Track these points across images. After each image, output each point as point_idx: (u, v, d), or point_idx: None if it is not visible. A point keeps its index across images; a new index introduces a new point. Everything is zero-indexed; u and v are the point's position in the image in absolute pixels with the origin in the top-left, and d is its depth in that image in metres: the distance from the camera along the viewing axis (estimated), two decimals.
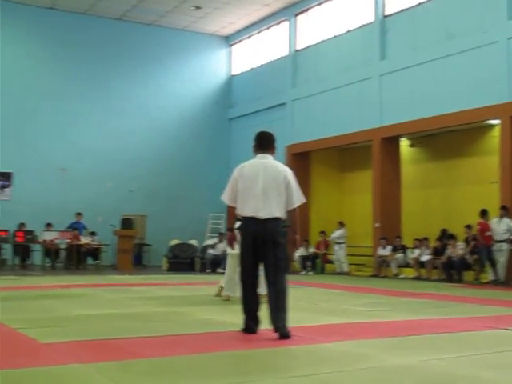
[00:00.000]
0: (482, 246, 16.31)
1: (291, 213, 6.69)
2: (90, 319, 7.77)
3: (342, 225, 20.93)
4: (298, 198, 6.71)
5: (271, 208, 6.52)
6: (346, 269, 20.50)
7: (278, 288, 6.45)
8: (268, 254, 6.50)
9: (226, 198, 6.79)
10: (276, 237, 6.52)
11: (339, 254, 20.65)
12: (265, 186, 6.54)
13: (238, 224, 6.94)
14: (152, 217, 24.30)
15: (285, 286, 6.51)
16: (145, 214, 24.18)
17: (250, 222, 6.55)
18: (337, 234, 20.78)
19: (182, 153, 26.22)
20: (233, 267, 9.93)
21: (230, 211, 6.85)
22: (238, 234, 6.91)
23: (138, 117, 25.57)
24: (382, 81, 20.17)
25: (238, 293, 10.09)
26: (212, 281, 15.91)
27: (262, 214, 6.50)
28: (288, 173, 6.72)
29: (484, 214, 16.46)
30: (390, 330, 7.23)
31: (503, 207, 16.09)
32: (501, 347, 6.16)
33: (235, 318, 7.77)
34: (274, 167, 6.69)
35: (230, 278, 10.16)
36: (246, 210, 6.57)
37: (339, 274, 20.34)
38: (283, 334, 6.27)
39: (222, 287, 10.45)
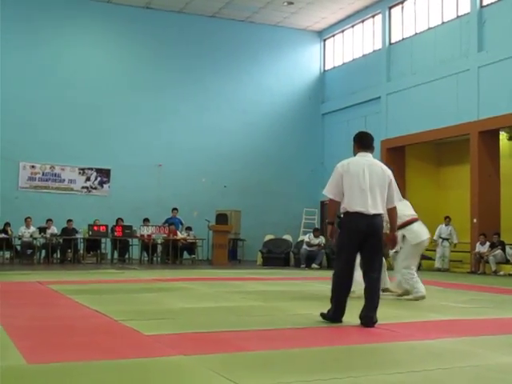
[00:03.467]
0: None
1: (391, 210, 6.96)
2: (190, 312, 7.89)
3: (449, 220, 20.60)
4: (398, 197, 6.98)
5: (377, 204, 6.73)
6: (447, 265, 20.19)
7: (377, 278, 6.81)
8: (373, 247, 6.74)
9: (329, 192, 6.87)
10: (380, 231, 6.79)
11: (446, 250, 20.36)
12: (371, 183, 6.73)
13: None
14: (246, 212, 24.43)
15: (381, 276, 7.00)
16: (239, 210, 24.31)
17: (357, 217, 6.68)
18: (448, 230, 20.45)
19: (276, 148, 26.29)
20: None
21: (331, 205, 7.01)
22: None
23: (233, 112, 25.78)
24: (480, 73, 19.65)
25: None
26: (307, 276, 15.97)
27: (371, 210, 6.67)
28: (390, 172, 6.95)
29: None
30: (494, 328, 7.07)
31: None
32: None
33: None
34: (378, 166, 6.93)
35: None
36: (354, 205, 6.69)
37: (436, 270, 20.01)
38: (370, 322, 6.61)
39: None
